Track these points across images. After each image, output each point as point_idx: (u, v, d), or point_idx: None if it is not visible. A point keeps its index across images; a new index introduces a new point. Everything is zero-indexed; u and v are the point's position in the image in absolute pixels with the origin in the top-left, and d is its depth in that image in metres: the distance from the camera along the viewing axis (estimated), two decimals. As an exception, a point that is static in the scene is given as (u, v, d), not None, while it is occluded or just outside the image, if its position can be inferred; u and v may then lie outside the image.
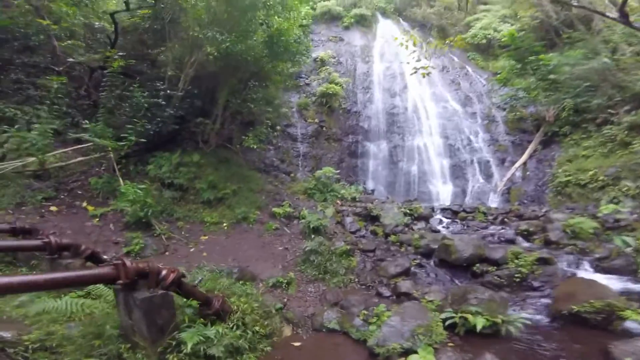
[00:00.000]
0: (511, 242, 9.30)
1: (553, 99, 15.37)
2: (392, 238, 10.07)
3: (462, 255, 7.94)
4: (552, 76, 15.09)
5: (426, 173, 17.88)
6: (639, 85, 12.55)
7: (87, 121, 10.31)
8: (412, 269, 8.25)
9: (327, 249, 8.59)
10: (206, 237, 9.39)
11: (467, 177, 17.63)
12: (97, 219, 9.21)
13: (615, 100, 13.54)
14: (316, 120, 17.97)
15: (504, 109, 19.05)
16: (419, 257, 8.86)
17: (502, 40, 16.73)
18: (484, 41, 19.23)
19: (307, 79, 19.73)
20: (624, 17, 8.66)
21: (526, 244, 9.21)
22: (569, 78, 15.21)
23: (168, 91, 11.47)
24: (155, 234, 9.11)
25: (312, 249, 8.41)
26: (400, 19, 24.27)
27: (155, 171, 10.80)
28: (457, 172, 17.82)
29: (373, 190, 16.89)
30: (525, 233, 9.64)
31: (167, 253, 8.50)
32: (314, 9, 14.58)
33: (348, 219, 11.26)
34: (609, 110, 13.41)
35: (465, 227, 11.17)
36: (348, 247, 8.96)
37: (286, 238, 9.86)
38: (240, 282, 6.57)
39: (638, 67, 13.20)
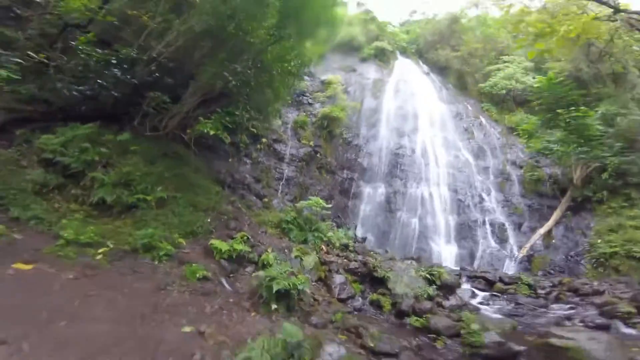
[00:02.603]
0: (604, 328, 5.55)
1: (590, 156, 12.16)
2: (412, 321, 5.58)
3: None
4: (594, 131, 12.05)
5: (428, 228, 13.87)
6: None
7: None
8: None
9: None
10: (29, 267, 4.19)
11: (476, 239, 13.68)
12: None
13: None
14: (311, 143, 14.10)
15: (521, 167, 15.88)
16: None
17: (534, 86, 13.97)
18: (503, 92, 16.68)
19: (310, 97, 16.28)
20: None
21: (627, 330, 5.52)
22: (606, 134, 12.25)
23: (134, 54, 7.50)
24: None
25: None
26: (420, 61, 22.15)
27: (46, 144, 6.32)
28: (465, 232, 13.88)
29: (364, 239, 12.59)
30: (617, 313, 5.85)
31: None
32: (335, 35, 12.24)
33: (337, 278, 6.77)
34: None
35: (514, 305, 6.93)
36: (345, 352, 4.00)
37: (216, 304, 4.67)
38: None
39: None
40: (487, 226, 13.91)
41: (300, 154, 13.98)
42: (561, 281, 8.24)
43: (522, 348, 4.39)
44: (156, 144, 8.04)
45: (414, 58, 22.19)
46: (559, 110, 13.33)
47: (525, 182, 15.17)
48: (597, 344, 3.97)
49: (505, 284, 8.09)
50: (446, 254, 13.09)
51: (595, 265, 10.24)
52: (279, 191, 12.50)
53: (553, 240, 12.28)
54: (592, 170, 12.73)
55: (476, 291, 7.73)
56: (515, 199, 15.00)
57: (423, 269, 7.63)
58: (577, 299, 7.25)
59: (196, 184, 8.03)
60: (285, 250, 7.48)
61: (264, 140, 12.80)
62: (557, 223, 12.76)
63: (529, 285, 7.88)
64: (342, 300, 6.33)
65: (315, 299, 5.62)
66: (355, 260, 7.78)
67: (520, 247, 12.79)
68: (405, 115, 17.11)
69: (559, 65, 14.77)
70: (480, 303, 7.09)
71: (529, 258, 12.03)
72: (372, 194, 14.92)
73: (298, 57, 9.32)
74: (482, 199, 14.94)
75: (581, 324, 5.68)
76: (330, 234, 9.75)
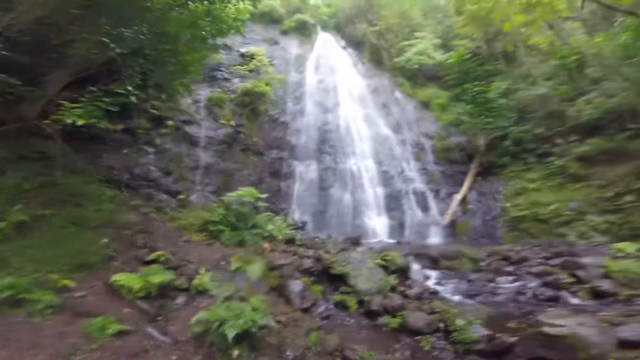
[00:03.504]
0: (554, 300, 5.83)
1: (494, 126, 13.37)
2: (388, 321, 4.90)
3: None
4: (495, 104, 13.15)
5: (360, 202, 13.62)
6: (584, 114, 11.07)
7: None
8: None
9: None
10: None
11: (403, 208, 14.05)
12: None
13: (556, 130, 12.03)
14: (232, 123, 11.93)
15: (432, 138, 16.80)
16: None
17: (448, 62, 14.45)
18: (416, 66, 17.06)
19: (226, 71, 13.69)
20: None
21: (574, 300, 5.78)
22: (506, 106, 13.59)
23: None
24: None
25: None
26: (339, 35, 21.06)
27: None
28: (393, 203, 14.09)
29: (304, 224, 11.57)
30: (561, 284, 6.12)
31: None
32: (254, 6, 10.06)
33: (294, 284, 5.52)
34: (557, 141, 11.69)
35: (466, 283, 6.89)
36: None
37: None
38: None
39: (575, 97, 12.01)
40: (411, 195, 14.34)
41: (220, 135, 11.75)
42: (493, 250, 8.64)
43: (514, 339, 4.03)
44: (6, 144, 5.12)
45: (333, 32, 21.13)
46: (465, 85, 14.25)
47: (437, 151, 16.11)
48: (587, 328, 3.79)
49: (449, 259, 8.13)
50: (379, 226, 13.07)
51: (509, 229, 11.24)
52: (197, 183, 10.28)
53: (470, 205, 13.29)
54: (494, 138, 14.07)
55: (427, 271, 7.54)
56: (430, 167, 15.83)
57: (376, 256, 6.99)
58: (512, 268, 7.52)
59: (78, 192, 5.58)
60: (222, 262, 5.84)
61: (170, 122, 10.16)
62: (470, 189, 13.84)
63: (471, 259, 8.04)
64: (306, 310, 5.21)
65: (279, 322, 4.30)
66: (308, 257, 6.64)
67: (441, 214, 13.59)
68: (326, 89, 16.19)
69: (463, 42, 15.62)
70: (437, 284, 6.88)
71: (451, 224, 12.80)
72: (304, 172, 13.83)
73: (215, 24, 7.11)
74: (403, 169, 15.35)
75: (534, 299, 5.85)
76: (270, 227, 8.33)
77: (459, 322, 4.49)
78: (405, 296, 5.84)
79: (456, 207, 13.33)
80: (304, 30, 19.90)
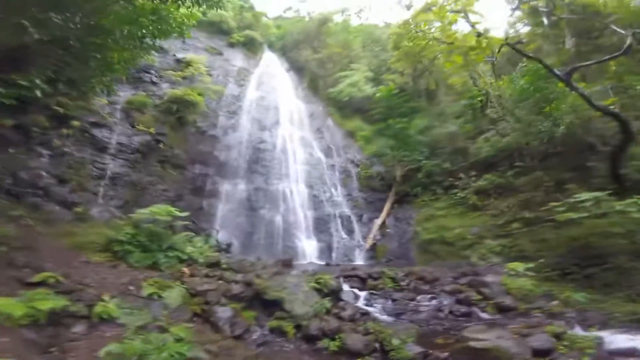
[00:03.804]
0: (468, 315, 6.43)
1: (410, 159, 14.95)
2: (326, 344, 4.70)
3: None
4: (412, 139, 14.81)
5: (291, 224, 13.46)
6: (483, 152, 13.20)
7: None
8: None
9: None
10: None
11: (330, 231, 14.36)
12: None
13: (460, 165, 14.03)
14: (152, 130, 10.58)
15: (357, 165, 17.88)
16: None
17: (376, 96, 15.78)
18: (347, 98, 18.23)
19: (155, 75, 12.32)
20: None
21: (484, 315, 6.46)
22: (419, 142, 15.39)
23: None
24: None
25: None
26: (284, 58, 21.40)
27: None
28: (321, 226, 14.31)
29: (229, 245, 10.71)
30: (471, 301, 6.84)
31: None
32: (204, 14, 9.42)
33: (222, 311, 4.86)
34: (460, 175, 13.58)
35: (391, 302, 7.15)
36: None
37: None
38: None
39: (476, 135, 14.26)
40: (338, 219, 14.80)
41: (135, 143, 10.34)
42: (410, 271, 9.23)
43: (445, 354, 4.21)
44: None
45: (279, 53, 21.42)
46: (390, 121, 15.80)
47: (361, 179, 17.15)
48: (506, 340, 4.20)
49: (375, 279, 8.39)
50: (309, 248, 13.09)
51: (421, 250, 12.29)
52: (100, 195, 8.67)
53: (388, 230, 14.28)
54: (408, 170, 15.65)
55: (356, 292, 7.61)
56: (355, 193, 16.71)
57: (310, 279, 6.79)
58: (428, 287, 8.14)
59: None
60: (130, 287, 4.85)
61: (74, 123, 8.52)
62: (388, 214, 14.95)
63: (392, 279, 8.43)
64: (238, 338, 4.65)
65: (209, 351, 3.64)
66: (236, 282, 6.05)
67: (364, 237, 14.26)
68: (267, 107, 16.05)
69: (393, 77, 17.38)
70: (367, 305, 6.96)
71: (372, 247, 13.51)
72: (231, 191, 13.07)
73: (158, 23, 6.41)
74: (332, 194, 15.85)
75: (451, 315, 6.40)
76: (189, 249, 7.45)
77: (395, 341, 4.54)
78: (340, 318, 5.73)
79: (376, 232, 14.20)
80: (251, 47, 19.93)
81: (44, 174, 7.39)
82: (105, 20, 5.78)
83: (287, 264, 10.22)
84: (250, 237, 12.44)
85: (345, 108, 19.24)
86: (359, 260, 13.02)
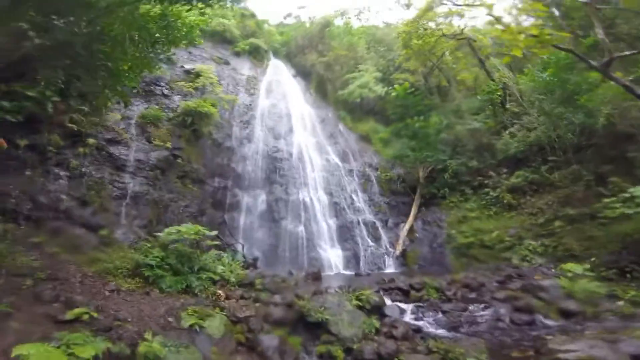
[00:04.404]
0: (531, 323, 5.99)
1: (434, 159, 14.34)
2: None
3: None
4: (432, 138, 14.24)
5: (314, 234, 12.93)
6: (511, 148, 12.56)
7: None
8: None
9: None
10: None
11: (355, 239, 13.73)
12: None
13: (488, 162, 13.39)
14: (168, 145, 10.27)
15: (376, 169, 17.31)
16: None
17: (391, 95, 15.30)
18: (358, 99, 17.81)
19: (166, 87, 12.09)
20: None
21: (549, 322, 5.97)
22: (440, 140, 14.81)
23: None
24: None
25: None
26: (289, 64, 21.11)
27: None
28: (345, 235, 13.72)
29: (255, 260, 10.25)
30: (533, 308, 6.32)
31: None
32: (207, 24, 9.34)
33: (268, 339, 4.40)
34: (490, 173, 12.92)
35: (442, 315, 6.56)
36: None
37: None
38: None
39: (500, 131, 13.63)
40: (362, 226, 14.21)
41: (152, 159, 10.01)
42: (453, 279, 8.64)
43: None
44: None
45: (284, 60, 21.20)
46: (408, 120, 15.27)
47: (382, 182, 16.56)
48: (599, 349, 3.67)
49: (417, 290, 7.84)
50: (334, 258, 12.50)
51: (457, 255, 11.65)
52: (123, 215, 8.31)
53: (417, 234, 13.66)
54: (432, 170, 15.05)
55: (400, 305, 7.05)
56: (377, 198, 16.12)
57: (351, 296, 6.27)
58: (475, 295, 7.61)
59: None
60: (169, 319, 4.39)
61: (90, 140, 8.23)
62: (415, 218, 14.33)
63: (436, 289, 7.85)
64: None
65: None
66: (276, 304, 5.55)
67: (391, 243, 13.64)
68: (279, 115, 15.71)
69: (404, 76, 16.90)
70: (415, 319, 6.42)
71: (402, 253, 12.88)
72: (251, 203, 12.65)
73: (167, 30, 6.06)
74: (353, 200, 15.28)
75: (513, 324, 5.90)
76: (220, 268, 6.99)
77: (470, 361, 3.97)
78: (393, 337, 5.22)
79: (404, 237, 13.58)
80: (256, 55, 19.70)
81: (64, 196, 7.06)
82: (111, 27, 5.45)
83: (316, 276, 9.79)
84: (274, 250, 11.96)
85: (356, 111, 18.77)
86: (390, 267, 12.42)
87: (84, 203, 7.42)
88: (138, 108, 10.41)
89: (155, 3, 5.53)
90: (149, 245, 6.63)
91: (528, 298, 6.66)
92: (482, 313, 6.53)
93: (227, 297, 5.90)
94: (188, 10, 6.01)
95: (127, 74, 6.63)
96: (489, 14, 10.56)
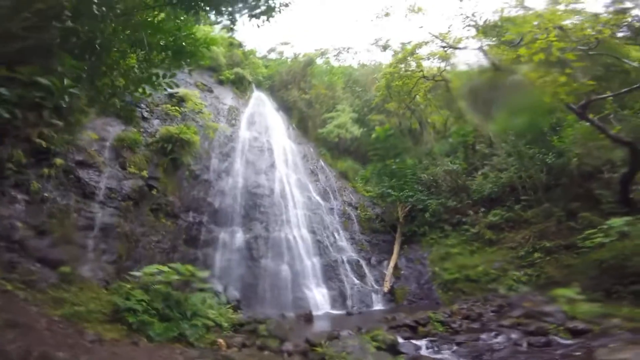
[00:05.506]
0: (548, 344, 6.03)
1: (414, 199, 14.74)
2: None
3: None
4: (410, 178, 14.77)
5: (299, 274, 12.14)
6: (486, 188, 13.34)
7: None
8: None
9: None
10: None
11: (340, 278, 13.12)
12: None
13: (465, 202, 14.01)
14: (144, 174, 9.27)
15: (356, 207, 17.29)
16: None
17: (372, 137, 15.83)
18: (336, 139, 18.19)
19: (146, 110, 11.22)
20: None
21: (565, 342, 6.04)
22: (416, 180, 15.40)
23: None
24: None
25: None
26: (271, 98, 21.08)
27: None
28: (330, 273, 13.08)
29: (239, 301, 9.14)
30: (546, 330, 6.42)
31: None
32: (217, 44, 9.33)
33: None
34: (468, 211, 13.47)
35: (459, 346, 6.34)
36: None
37: None
38: None
39: (472, 172, 14.51)
40: (346, 264, 13.76)
41: (126, 188, 8.92)
42: (452, 311, 8.56)
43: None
44: None
45: (267, 93, 21.25)
46: (387, 162, 15.81)
47: (362, 221, 16.49)
48: None
49: (423, 325, 7.56)
50: (319, 297, 11.80)
51: (445, 290, 11.75)
52: (89, 249, 7.02)
53: (402, 271, 13.51)
54: (410, 209, 15.34)
55: (413, 342, 6.57)
56: (357, 236, 15.90)
57: (368, 337, 5.70)
58: (478, 325, 7.67)
59: None
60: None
61: (57, 161, 7.14)
62: (398, 256, 14.22)
63: (441, 322, 7.60)
64: None
65: None
66: (289, 353, 4.82)
67: (376, 280, 13.28)
68: (261, 149, 15.32)
69: (379, 117, 17.74)
70: (435, 352, 6.03)
71: (390, 290, 12.52)
72: (228, 240, 11.66)
73: (176, 42, 5.66)
74: (335, 239, 14.88)
75: (532, 347, 5.92)
76: (211, 311, 6.03)
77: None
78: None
79: (390, 275, 13.29)
80: (240, 85, 19.59)
81: (17, 224, 5.79)
82: (123, 32, 5.00)
83: (308, 318, 9.19)
84: (254, 289, 10.92)
85: (334, 149, 19.16)
86: (378, 305, 12.08)
87: (42, 232, 6.14)
88: (114, 129, 9.44)
89: (180, 11, 5.19)
90: (128, 286, 5.53)
91: (536, 322, 6.73)
92: (495, 341, 6.46)
93: (229, 346, 4.96)
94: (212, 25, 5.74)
95: (129, 88, 6.01)
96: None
